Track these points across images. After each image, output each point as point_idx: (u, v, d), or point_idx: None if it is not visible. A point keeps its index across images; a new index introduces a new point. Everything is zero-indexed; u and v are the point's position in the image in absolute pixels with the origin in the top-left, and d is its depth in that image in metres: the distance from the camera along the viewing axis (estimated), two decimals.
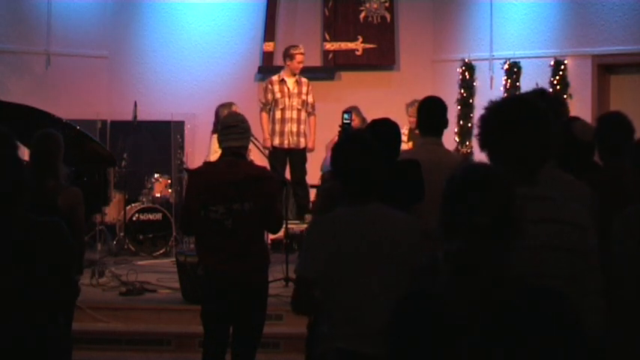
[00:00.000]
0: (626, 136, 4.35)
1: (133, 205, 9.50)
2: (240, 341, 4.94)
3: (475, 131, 2.81)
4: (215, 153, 8.50)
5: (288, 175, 9.29)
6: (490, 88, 10.06)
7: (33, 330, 3.18)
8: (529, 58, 10.02)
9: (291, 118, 9.30)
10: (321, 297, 3.36)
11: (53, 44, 10.54)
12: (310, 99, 9.40)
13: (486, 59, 10.34)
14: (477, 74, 10.38)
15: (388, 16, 10.93)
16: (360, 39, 10.95)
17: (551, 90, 9.70)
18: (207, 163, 5.37)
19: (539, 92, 4.27)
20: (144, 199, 9.59)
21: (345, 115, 5.64)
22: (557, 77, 9.80)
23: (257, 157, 8.26)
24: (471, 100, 10.30)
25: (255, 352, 5.00)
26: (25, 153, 5.91)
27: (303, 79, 9.41)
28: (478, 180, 2.14)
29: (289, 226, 8.33)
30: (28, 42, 10.48)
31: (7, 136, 3.19)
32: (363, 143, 3.47)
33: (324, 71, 10.97)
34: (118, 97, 10.71)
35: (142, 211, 9.33)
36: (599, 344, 2.74)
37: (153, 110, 10.29)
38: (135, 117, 9.28)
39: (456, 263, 2.11)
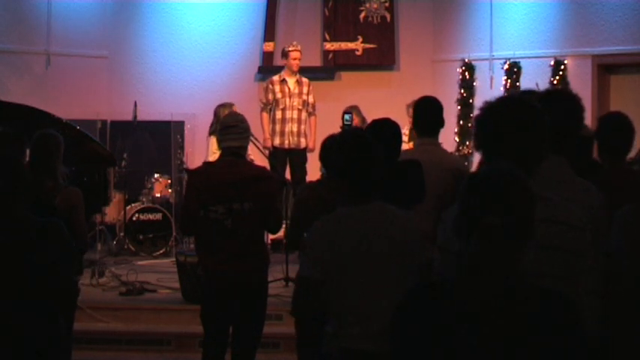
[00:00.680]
0: (626, 137, 4.35)
1: (133, 205, 9.50)
2: (240, 341, 4.94)
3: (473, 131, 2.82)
4: (214, 154, 8.50)
5: (288, 175, 9.29)
6: (490, 88, 10.05)
7: (33, 330, 3.18)
8: (529, 58, 10.02)
9: (292, 118, 9.29)
10: (325, 297, 3.36)
11: (53, 44, 10.54)
12: (311, 99, 9.40)
13: (486, 59, 10.34)
14: (477, 74, 10.37)
15: (388, 16, 10.93)
16: (360, 39, 10.95)
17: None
18: (206, 164, 5.37)
19: (531, 92, 4.27)
20: (144, 199, 9.60)
21: (346, 117, 5.65)
22: (557, 77, 9.79)
23: (257, 157, 8.26)
24: (470, 100, 10.30)
25: (255, 352, 5.00)
26: (25, 153, 5.91)
27: (304, 79, 9.41)
28: (497, 181, 2.13)
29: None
30: (28, 42, 10.48)
31: (9, 137, 3.20)
32: (363, 142, 3.47)
33: (324, 71, 10.97)
34: (118, 97, 10.71)
35: (142, 211, 9.33)
36: (597, 344, 2.74)
37: (153, 110, 10.29)
38: (135, 117, 9.28)
39: (468, 263, 2.11)
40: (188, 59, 10.94)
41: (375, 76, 10.99)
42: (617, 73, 9.85)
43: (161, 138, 10.39)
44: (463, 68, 10.41)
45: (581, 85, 9.74)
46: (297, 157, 9.34)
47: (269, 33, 10.94)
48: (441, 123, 4.98)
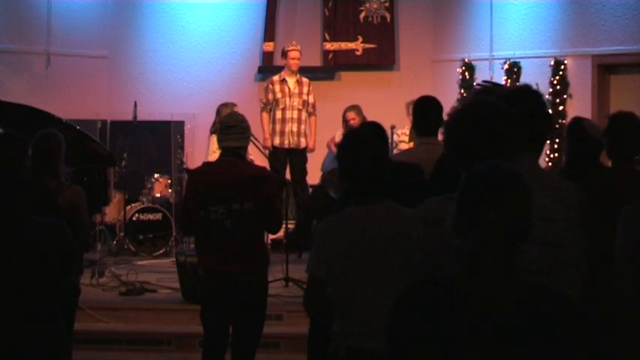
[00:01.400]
0: (634, 138, 4.34)
1: (133, 205, 9.50)
2: (240, 341, 4.94)
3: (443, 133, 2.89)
4: (214, 153, 8.51)
5: (288, 175, 9.29)
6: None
7: (33, 330, 3.18)
8: (529, 58, 10.02)
9: (292, 118, 9.29)
10: (332, 296, 3.37)
11: (53, 44, 10.54)
12: (311, 99, 9.40)
13: (486, 59, 10.34)
14: (477, 74, 10.37)
15: (388, 16, 10.94)
16: (360, 39, 10.95)
17: (550, 90, 9.73)
18: (206, 164, 5.37)
19: (498, 86, 4.26)
20: (144, 199, 9.60)
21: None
22: (557, 77, 9.80)
23: (257, 157, 8.27)
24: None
25: (255, 352, 5.00)
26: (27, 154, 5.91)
27: (305, 79, 9.41)
28: (495, 178, 2.14)
29: (289, 226, 8.34)
30: (28, 42, 10.48)
31: (10, 138, 3.20)
32: (371, 143, 3.48)
33: (324, 71, 10.97)
34: (118, 97, 10.71)
35: (142, 211, 9.33)
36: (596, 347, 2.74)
37: (153, 110, 10.29)
38: (135, 117, 9.28)
39: (467, 261, 2.11)
40: (188, 59, 10.94)
41: (375, 76, 10.99)
42: (617, 73, 9.86)
43: (161, 138, 10.39)
44: (463, 68, 10.42)
45: (581, 85, 9.75)
46: (297, 157, 9.34)
47: (269, 33, 10.94)
48: (440, 123, 4.98)
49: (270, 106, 9.36)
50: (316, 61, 10.94)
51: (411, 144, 8.60)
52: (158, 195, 9.63)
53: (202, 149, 9.64)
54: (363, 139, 3.53)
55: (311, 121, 9.45)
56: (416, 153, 4.97)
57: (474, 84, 9.55)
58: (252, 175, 4.85)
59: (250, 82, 10.95)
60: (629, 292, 3.38)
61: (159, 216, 9.31)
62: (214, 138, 8.34)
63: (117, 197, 9.64)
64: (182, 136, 10.53)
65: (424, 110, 5.02)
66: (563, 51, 9.83)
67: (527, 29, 10.12)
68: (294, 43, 9.45)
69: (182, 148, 10.37)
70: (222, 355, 4.95)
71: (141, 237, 9.26)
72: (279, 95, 9.29)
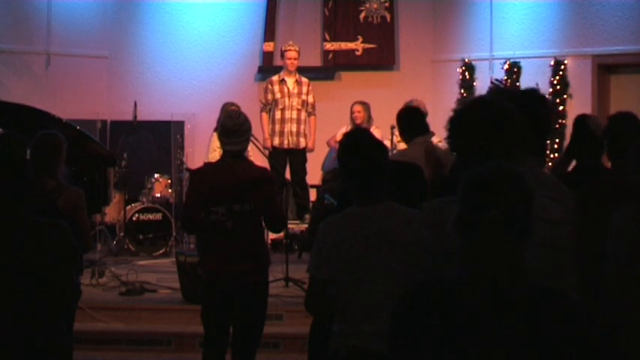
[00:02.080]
0: (634, 138, 4.34)
1: (133, 205, 9.50)
2: (240, 341, 4.93)
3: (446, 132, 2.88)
4: (214, 151, 8.51)
5: (288, 175, 9.29)
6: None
7: (34, 330, 3.18)
8: (529, 58, 10.02)
9: (291, 118, 9.29)
10: (332, 296, 3.36)
11: (53, 44, 10.54)
12: (310, 99, 9.41)
13: (486, 59, 10.35)
14: (477, 74, 10.38)
15: (388, 16, 10.94)
16: (360, 39, 10.95)
17: (550, 90, 9.73)
18: (208, 164, 5.35)
19: (501, 91, 4.27)
20: (144, 199, 9.60)
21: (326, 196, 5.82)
22: (557, 77, 9.81)
23: (257, 157, 8.27)
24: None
25: (255, 352, 5.00)
26: (25, 154, 5.91)
27: (304, 79, 9.41)
28: (497, 177, 2.14)
29: (289, 226, 8.34)
30: (28, 42, 10.48)
31: (10, 139, 3.20)
32: (376, 143, 3.49)
33: (324, 71, 10.97)
34: (118, 97, 10.72)
35: (142, 211, 9.33)
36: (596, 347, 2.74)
37: (153, 110, 10.30)
38: (135, 117, 9.27)
39: (469, 261, 2.11)
40: (188, 59, 10.94)
41: (375, 76, 10.99)
42: (617, 73, 9.86)
43: (161, 138, 10.39)
44: (463, 68, 10.42)
45: (581, 85, 9.76)
46: (296, 157, 9.34)
47: (269, 33, 10.95)
48: (426, 128, 5.09)
49: (269, 106, 9.37)
50: (316, 61, 10.94)
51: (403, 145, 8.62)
52: (158, 195, 9.62)
53: (202, 149, 9.64)
54: (363, 139, 3.53)
55: (310, 121, 9.45)
56: (410, 152, 4.99)
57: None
58: (253, 177, 4.85)
59: (250, 82, 10.95)
60: (621, 294, 3.39)
61: (159, 216, 9.31)
62: (215, 136, 8.34)
63: (117, 197, 9.64)
64: (182, 136, 10.54)
65: (407, 117, 5.13)
66: (563, 51, 9.83)
67: (527, 29, 10.12)
68: (291, 42, 9.46)
69: (182, 148, 10.37)
70: (223, 355, 4.95)
71: (141, 237, 9.26)
72: (278, 95, 9.29)
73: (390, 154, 4.48)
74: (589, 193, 3.93)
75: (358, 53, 10.99)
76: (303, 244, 8.07)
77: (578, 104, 9.61)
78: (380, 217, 3.36)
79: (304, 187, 9.48)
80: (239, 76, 10.92)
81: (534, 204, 2.39)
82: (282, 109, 9.30)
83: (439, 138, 8.83)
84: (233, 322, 4.92)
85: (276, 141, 9.27)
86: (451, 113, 2.80)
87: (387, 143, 7.43)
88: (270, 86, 9.36)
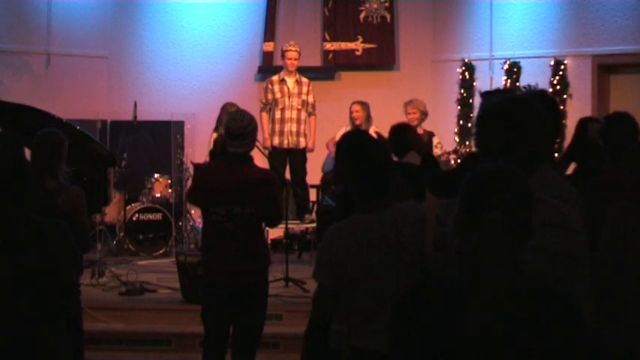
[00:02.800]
0: (631, 138, 4.35)
1: (133, 205, 9.50)
2: (240, 341, 4.94)
3: (474, 130, 2.80)
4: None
5: (288, 175, 9.29)
6: (490, 88, 10.05)
7: (33, 330, 3.18)
8: (529, 58, 10.02)
9: (291, 118, 9.30)
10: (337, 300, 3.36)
11: (53, 44, 10.54)
12: (311, 99, 9.41)
13: (486, 59, 10.35)
14: (477, 74, 10.38)
15: (388, 16, 10.93)
16: (360, 39, 10.95)
17: (550, 90, 9.72)
18: (212, 162, 5.30)
19: (537, 93, 4.28)
20: (144, 199, 9.60)
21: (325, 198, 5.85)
22: (557, 77, 9.81)
23: (257, 157, 8.24)
24: (470, 100, 10.30)
25: (255, 352, 5.00)
26: (26, 153, 5.91)
27: (304, 79, 9.41)
28: (497, 178, 2.14)
29: (289, 226, 8.34)
30: (28, 42, 10.48)
31: (7, 138, 3.19)
32: (382, 150, 3.47)
33: (324, 71, 10.97)
34: (118, 97, 10.71)
35: (142, 211, 9.33)
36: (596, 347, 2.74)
37: (153, 110, 10.29)
38: (135, 117, 9.27)
39: (469, 262, 2.11)
40: (188, 59, 10.94)
41: (375, 76, 10.99)
42: (617, 73, 9.86)
43: (161, 138, 10.39)
44: (463, 68, 10.42)
45: (581, 85, 9.76)
46: (296, 157, 9.34)
47: (269, 33, 10.94)
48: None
49: (269, 106, 9.37)
50: (316, 61, 10.94)
51: None
52: (158, 195, 9.62)
53: (202, 149, 9.63)
54: (362, 140, 3.52)
55: (310, 121, 9.45)
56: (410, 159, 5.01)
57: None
58: (255, 179, 4.84)
59: (250, 82, 10.95)
60: (614, 291, 3.39)
61: (159, 216, 9.31)
62: (215, 136, 8.34)
63: (117, 197, 9.64)
64: (182, 136, 10.53)
65: (397, 135, 5.20)
66: (563, 51, 9.83)
67: (527, 29, 10.12)
68: (292, 43, 9.45)
69: (182, 148, 10.36)
70: (223, 355, 4.95)
71: (141, 237, 9.26)
72: (278, 95, 9.30)
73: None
74: (590, 193, 3.93)
75: (358, 53, 10.98)
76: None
77: (578, 104, 9.61)
78: (384, 222, 3.34)
79: (304, 187, 9.47)
80: (239, 76, 10.92)
81: (554, 209, 2.39)
82: (282, 109, 9.30)
83: (439, 139, 8.87)
84: (233, 322, 4.93)
85: (276, 141, 9.27)
86: (482, 111, 2.72)
87: None
88: (270, 86, 9.36)
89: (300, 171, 9.36)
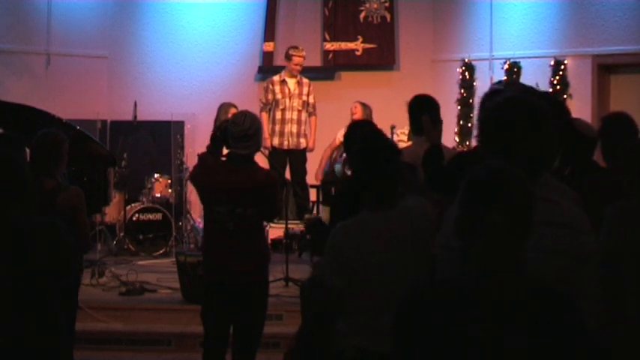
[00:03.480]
0: (629, 137, 4.35)
1: (133, 205, 9.50)
2: (240, 341, 4.94)
3: (475, 132, 2.78)
4: None
5: (287, 175, 9.29)
6: (492, 86, 10.04)
7: (28, 330, 3.18)
8: (529, 58, 10.01)
9: (292, 119, 9.30)
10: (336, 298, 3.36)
11: (53, 44, 10.53)
12: (311, 99, 9.41)
13: (486, 59, 10.34)
14: (477, 74, 10.37)
15: (388, 16, 10.93)
16: (360, 39, 10.95)
17: (550, 90, 9.72)
18: (218, 160, 5.27)
19: (541, 94, 4.26)
20: (144, 199, 9.60)
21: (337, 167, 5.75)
22: (557, 77, 9.80)
23: (257, 157, 8.25)
24: (470, 100, 10.30)
25: (255, 352, 5.00)
26: (26, 153, 5.91)
27: (305, 80, 9.41)
28: (497, 178, 2.14)
29: (289, 226, 8.34)
30: (28, 42, 10.48)
31: (7, 138, 3.19)
32: (389, 147, 3.47)
33: (324, 71, 10.96)
34: (118, 97, 10.71)
35: (142, 211, 9.33)
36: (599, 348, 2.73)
37: (153, 110, 10.29)
38: (135, 117, 9.28)
39: (471, 263, 2.11)
40: (188, 59, 10.93)
41: (375, 76, 10.99)
42: (617, 73, 9.85)
43: (161, 138, 10.38)
44: (463, 68, 10.42)
45: (581, 85, 9.75)
46: (296, 157, 9.35)
47: (269, 33, 10.94)
48: (438, 120, 4.95)
49: (269, 106, 9.37)
50: (316, 61, 10.93)
51: (410, 143, 8.61)
52: (158, 195, 9.62)
53: (202, 149, 9.57)
54: (383, 145, 3.51)
55: (311, 121, 9.46)
56: (414, 152, 4.97)
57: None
58: (259, 182, 4.85)
59: (250, 82, 10.94)
60: (613, 291, 3.39)
61: (159, 216, 9.31)
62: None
63: (117, 197, 9.64)
64: (182, 136, 10.53)
65: (418, 110, 5.00)
66: (563, 51, 9.83)
67: (527, 29, 10.12)
68: (300, 48, 9.41)
69: (182, 148, 10.36)
70: (223, 355, 4.95)
71: (141, 237, 9.26)
72: (279, 96, 9.29)
73: None
74: (588, 193, 3.92)
75: (358, 53, 10.98)
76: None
77: (578, 104, 9.59)
78: (391, 221, 3.34)
79: (304, 187, 9.48)
80: (239, 76, 10.92)
81: (562, 209, 2.38)
82: (283, 110, 9.30)
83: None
84: (233, 322, 4.93)
85: (276, 141, 9.27)
86: (487, 110, 2.69)
87: None
88: (271, 86, 9.36)
89: (300, 171, 9.36)
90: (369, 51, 10.95)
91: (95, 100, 10.48)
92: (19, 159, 3.40)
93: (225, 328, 4.95)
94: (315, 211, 9.64)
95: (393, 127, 8.56)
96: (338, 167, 8.08)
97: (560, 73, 9.79)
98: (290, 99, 9.31)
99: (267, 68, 10.72)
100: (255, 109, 9.28)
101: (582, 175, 4.24)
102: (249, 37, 11.01)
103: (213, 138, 5.15)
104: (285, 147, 9.27)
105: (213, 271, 4.91)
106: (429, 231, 3.34)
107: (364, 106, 9.13)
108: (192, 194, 10.00)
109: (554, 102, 3.26)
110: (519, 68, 10.02)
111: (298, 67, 9.30)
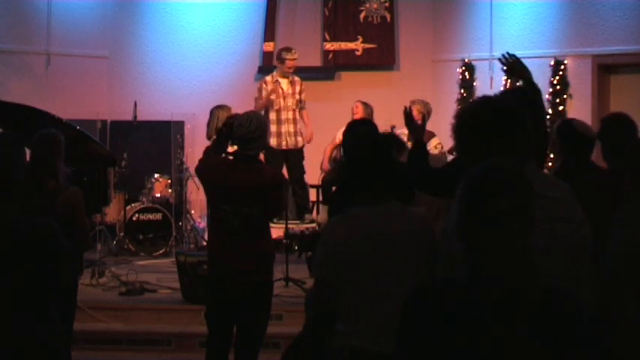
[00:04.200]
0: (629, 137, 4.36)
1: (133, 205, 9.50)
2: (243, 341, 4.94)
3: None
4: None
5: (285, 174, 9.29)
6: (490, 88, 10.04)
7: (28, 332, 3.17)
8: (529, 58, 9.88)
9: (287, 119, 9.33)
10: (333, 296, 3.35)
11: (53, 44, 10.54)
12: (303, 96, 9.45)
13: (486, 59, 10.34)
14: (477, 74, 10.38)
15: (388, 16, 10.93)
16: (360, 39, 10.95)
17: (550, 90, 9.72)
18: (224, 158, 5.28)
19: (514, 92, 4.26)
20: (144, 199, 9.60)
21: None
22: (557, 77, 9.80)
23: None
24: (470, 100, 10.29)
25: (257, 352, 5.00)
26: (25, 153, 5.91)
27: (296, 78, 9.44)
28: (495, 176, 2.14)
29: (289, 226, 8.34)
30: (28, 42, 10.48)
31: (6, 138, 3.18)
32: (386, 142, 3.48)
33: (324, 71, 10.97)
34: (118, 97, 10.71)
35: (142, 211, 9.33)
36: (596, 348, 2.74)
37: (153, 110, 10.29)
38: (135, 117, 9.28)
39: (473, 263, 2.11)
40: (188, 59, 10.94)
41: (375, 76, 10.99)
42: (617, 73, 9.85)
43: (161, 138, 10.38)
44: (463, 68, 10.42)
45: (581, 85, 9.75)
46: (295, 156, 9.37)
47: (269, 33, 10.94)
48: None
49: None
50: (316, 61, 10.94)
51: (410, 144, 8.59)
52: (158, 195, 9.63)
53: (202, 149, 9.60)
54: (370, 136, 3.51)
55: (303, 115, 9.48)
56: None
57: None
58: (266, 181, 4.87)
59: (250, 82, 10.93)
60: (623, 292, 3.39)
61: (159, 216, 9.31)
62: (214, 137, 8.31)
63: (117, 197, 9.64)
64: (182, 136, 10.53)
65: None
66: (563, 51, 9.83)
67: (527, 29, 10.12)
68: (293, 50, 9.40)
69: (182, 148, 10.36)
70: (226, 354, 4.95)
71: (141, 237, 9.26)
72: (273, 96, 9.30)
73: None
74: (587, 193, 3.92)
75: (358, 53, 10.98)
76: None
77: (578, 104, 9.60)
78: (384, 217, 3.33)
79: (303, 186, 9.48)
80: (239, 76, 10.92)
81: (558, 203, 2.38)
82: (278, 110, 9.32)
83: (439, 140, 8.86)
84: (237, 322, 4.93)
85: (274, 142, 9.27)
86: (455, 116, 2.74)
87: None
88: (264, 85, 9.38)
89: (298, 170, 9.37)
90: (369, 51, 10.95)
91: (95, 100, 10.48)
92: (15, 158, 3.40)
93: (228, 327, 4.95)
94: (315, 211, 9.65)
95: (393, 127, 8.55)
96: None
97: (560, 73, 9.79)
98: (284, 99, 9.33)
99: (267, 68, 10.70)
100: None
101: (581, 175, 4.24)
102: (249, 37, 11.01)
103: (219, 133, 5.17)
104: (284, 147, 9.28)
105: (217, 269, 4.91)
106: (425, 232, 3.34)
107: (366, 105, 9.13)
108: (192, 194, 10.01)
109: (523, 97, 3.26)
110: None
111: (291, 70, 9.33)
